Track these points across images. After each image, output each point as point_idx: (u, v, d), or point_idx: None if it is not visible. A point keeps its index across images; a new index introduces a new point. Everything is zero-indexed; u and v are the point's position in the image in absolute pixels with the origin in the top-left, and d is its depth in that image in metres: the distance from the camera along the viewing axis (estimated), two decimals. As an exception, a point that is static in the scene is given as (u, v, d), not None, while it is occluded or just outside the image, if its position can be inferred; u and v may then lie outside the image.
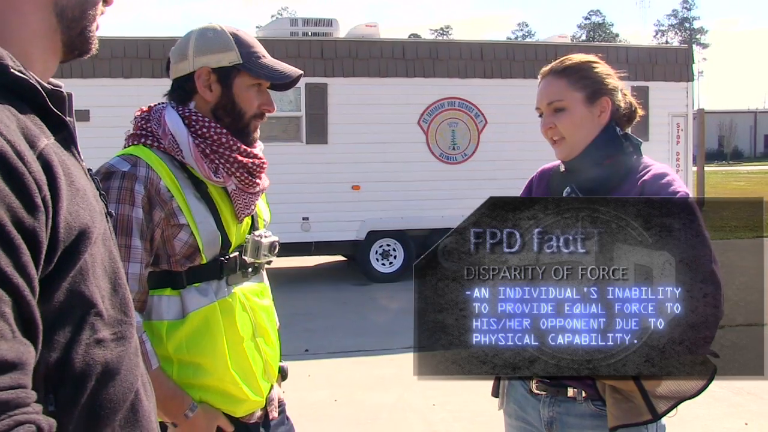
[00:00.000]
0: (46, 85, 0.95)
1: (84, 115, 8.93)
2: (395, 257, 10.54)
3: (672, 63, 11.35)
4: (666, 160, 11.19)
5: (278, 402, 2.09)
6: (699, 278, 1.75)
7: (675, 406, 1.87)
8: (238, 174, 1.88)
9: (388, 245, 10.52)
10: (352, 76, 10.31)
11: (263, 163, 1.97)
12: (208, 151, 1.85)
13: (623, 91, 2.09)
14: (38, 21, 0.99)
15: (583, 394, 1.94)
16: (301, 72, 1.99)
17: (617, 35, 76.93)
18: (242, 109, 1.91)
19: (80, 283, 0.90)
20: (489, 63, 10.58)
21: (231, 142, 1.88)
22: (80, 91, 10.23)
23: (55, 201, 0.86)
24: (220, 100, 1.90)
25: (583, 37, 71.70)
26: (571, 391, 1.95)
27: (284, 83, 1.94)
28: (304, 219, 10.21)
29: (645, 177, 1.92)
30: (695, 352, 1.81)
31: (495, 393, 2.19)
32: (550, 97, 2.01)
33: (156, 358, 1.75)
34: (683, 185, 1.91)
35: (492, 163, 10.28)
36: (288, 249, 10.32)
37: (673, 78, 11.27)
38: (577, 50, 10.91)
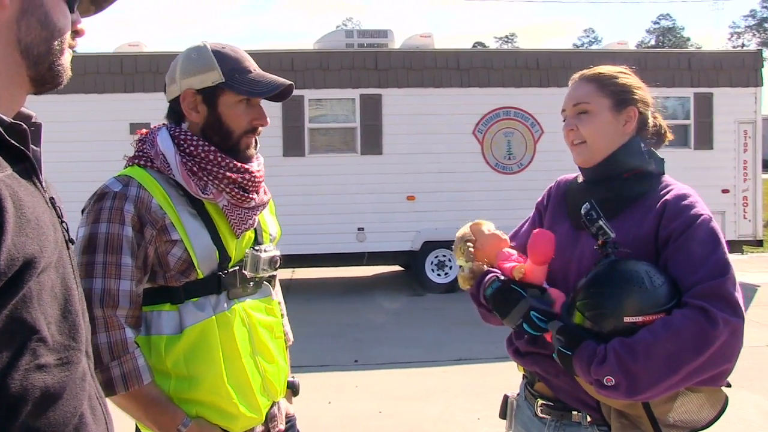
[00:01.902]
0: (5, 119, 0.98)
1: (145, 128, 9.20)
2: (451, 268, 10.48)
3: (739, 68, 10.95)
4: (732, 169, 10.82)
5: (286, 416, 2.09)
6: (721, 308, 1.67)
7: None
8: (228, 190, 1.89)
9: (444, 256, 10.47)
10: (406, 87, 10.32)
11: (256, 178, 1.95)
12: (195, 168, 1.87)
13: (654, 113, 2.03)
14: (0, 58, 1.01)
15: (588, 418, 1.88)
16: (290, 82, 1.94)
17: (688, 39, 74.90)
18: (230, 128, 1.91)
19: (22, 310, 0.92)
20: (545, 72, 10.44)
21: (219, 159, 1.88)
22: (142, 104, 10.47)
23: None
24: (207, 120, 1.91)
25: (652, 42, 70.08)
26: (575, 415, 1.89)
27: (272, 96, 1.92)
28: (359, 229, 10.26)
29: (667, 196, 1.85)
30: (712, 383, 1.73)
31: (502, 415, 2.14)
32: (577, 98, 1.97)
33: (148, 373, 1.77)
34: (705, 208, 1.83)
35: (548, 173, 10.03)
36: (343, 259, 10.49)
37: (740, 83, 10.86)
38: (636, 56, 10.62)
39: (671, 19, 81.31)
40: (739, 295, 1.70)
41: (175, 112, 1.95)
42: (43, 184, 1.07)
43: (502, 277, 1.87)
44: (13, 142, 0.98)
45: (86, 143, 9.45)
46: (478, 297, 1.98)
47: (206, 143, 1.90)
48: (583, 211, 1.82)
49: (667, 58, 10.99)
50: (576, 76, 2.03)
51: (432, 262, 10.48)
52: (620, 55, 10.23)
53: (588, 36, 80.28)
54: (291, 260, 10.25)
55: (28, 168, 1.02)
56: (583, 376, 1.72)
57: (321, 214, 10.07)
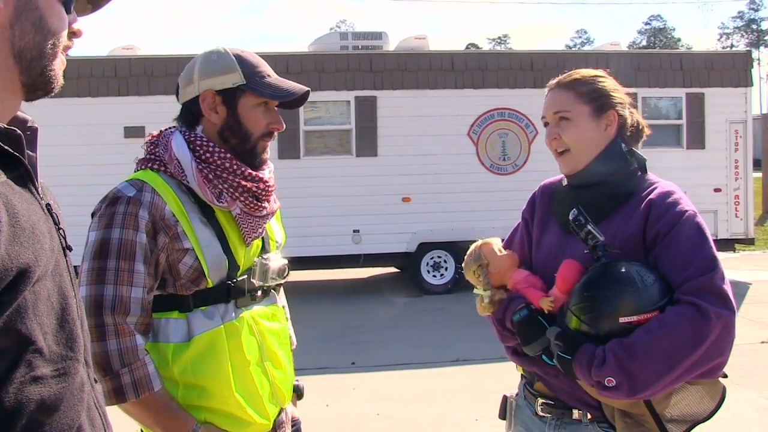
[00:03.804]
0: None
1: (139, 132, 9.19)
2: (446, 269, 10.52)
3: (729, 68, 11.02)
4: (724, 169, 10.89)
5: (292, 421, 2.11)
6: (712, 302, 1.71)
7: (689, 430, 1.83)
8: (242, 198, 1.89)
9: (439, 257, 10.51)
10: (401, 89, 10.35)
11: (269, 186, 1.97)
12: (211, 176, 1.87)
13: (631, 109, 2.07)
14: None
15: (589, 416, 1.91)
16: (308, 89, 1.98)
17: (679, 40, 75.14)
18: (248, 130, 1.92)
19: (16, 322, 0.90)
20: (539, 73, 10.46)
21: (235, 167, 1.89)
22: (136, 108, 10.44)
23: None
24: (226, 121, 1.92)
25: (644, 43, 70.29)
26: (576, 413, 1.93)
27: (291, 101, 1.95)
28: (354, 231, 10.27)
29: (651, 195, 1.89)
30: (709, 376, 1.77)
31: (502, 415, 2.17)
32: (558, 107, 2.01)
33: (159, 380, 1.77)
34: (690, 203, 1.88)
35: (543, 174, 9.91)
36: (339, 261, 10.50)
37: (730, 84, 10.93)
38: (629, 57, 10.63)
39: (662, 20, 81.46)
40: (728, 288, 1.75)
41: (191, 114, 1.95)
42: (39, 190, 1.05)
43: (532, 307, 1.90)
44: (6, 148, 0.96)
45: (81, 147, 9.44)
46: (503, 321, 2.00)
47: (222, 150, 1.90)
48: (571, 217, 1.87)
49: (660, 59, 11.06)
50: (552, 82, 2.06)
51: (428, 263, 10.51)
52: (614, 56, 10.29)
53: (580, 37, 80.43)
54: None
55: (22, 174, 1.00)
56: (584, 379, 1.76)
57: (316, 216, 10.08)
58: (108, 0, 1.19)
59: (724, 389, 1.83)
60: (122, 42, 20.24)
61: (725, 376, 1.81)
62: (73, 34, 1.10)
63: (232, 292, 1.89)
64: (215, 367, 1.83)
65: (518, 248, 2.13)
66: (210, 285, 1.86)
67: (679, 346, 1.68)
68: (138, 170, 1.93)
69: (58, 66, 1.07)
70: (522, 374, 2.13)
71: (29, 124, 1.08)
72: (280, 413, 2.01)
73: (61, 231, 1.08)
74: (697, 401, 1.81)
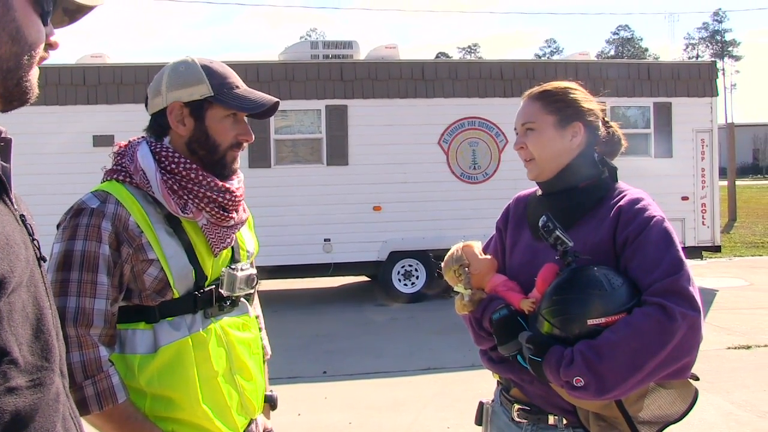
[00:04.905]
0: None
1: (108, 140, 9.08)
2: (417, 277, 10.53)
3: (695, 78, 11.24)
4: (691, 177, 11.07)
5: (264, 431, 2.09)
6: (678, 303, 1.74)
7: (661, 431, 1.87)
8: (208, 209, 1.88)
9: (410, 265, 10.52)
10: (371, 98, 10.38)
11: (236, 197, 1.95)
12: (176, 186, 1.85)
13: (608, 121, 2.10)
14: None
15: (564, 421, 1.94)
16: (277, 100, 1.97)
17: (646, 50, 76.39)
18: (216, 141, 1.91)
19: None
20: (509, 82, 10.58)
21: (200, 178, 1.88)
22: (104, 116, 10.27)
23: None
24: (194, 133, 1.90)
25: (612, 53, 71.34)
26: (551, 419, 1.95)
27: (260, 112, 1.94)
28: (325, 240, 10.26)
29: (621, 202, 1.93)
30: (677, 376, 1.80)
31: (478, 421, 2.19)
32: (525, 118, 2.06)
33: (123, 392, 1.75)
34: (659, 210, 1.92)
35: (513, 182, 10.16)
36: (310, 270, 10.47)
37: (696, 93, 11.15)
38: (598, 66, 10.75)
39: (630, 30, 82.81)
40: (694, 290, 1.79)
41: (159, 125, 1.93)
42: (14, 201, 1.05)
43: (512, 307, 1.92)
44: None
45: (48, 156, 9.30)
46: (480, 320, 2.01)
47: (188, 161, 1.88)
48: (540, 224, 1.90)
49: (628, 69, 11.23)
50: (525, 94, 2.11)
51: (398, 272, 10.52)
52: (582, 66, 10.42)
53: (549, 46, 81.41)
54: (257, 272, 10.18)
55: None
56: (554, 379, 1.79)
57: (287, 226, 10.04)
58: (85, 13, 1.19)
59: (696, 392, 1.87)
60: (90, 50, 20.03)
61: (697, 378, 1.85)
62: (50, 46, 1.10)
63: (199, 303, 1.87)
64: (182, 378, 1.80)
65: (492, 257, 2.16)
66: (176, 296, 1.84)
67: (645, 346, 1.72)
68: (104, 181, 1.92)
69: (34, 76, 1.06)
70: (498, 380, 2.15)
71: (2, 135, 1.08)
72: (249, 424, 2.00)
73: (35, 242, 1.07)
74: (669, 403, 1.85)
